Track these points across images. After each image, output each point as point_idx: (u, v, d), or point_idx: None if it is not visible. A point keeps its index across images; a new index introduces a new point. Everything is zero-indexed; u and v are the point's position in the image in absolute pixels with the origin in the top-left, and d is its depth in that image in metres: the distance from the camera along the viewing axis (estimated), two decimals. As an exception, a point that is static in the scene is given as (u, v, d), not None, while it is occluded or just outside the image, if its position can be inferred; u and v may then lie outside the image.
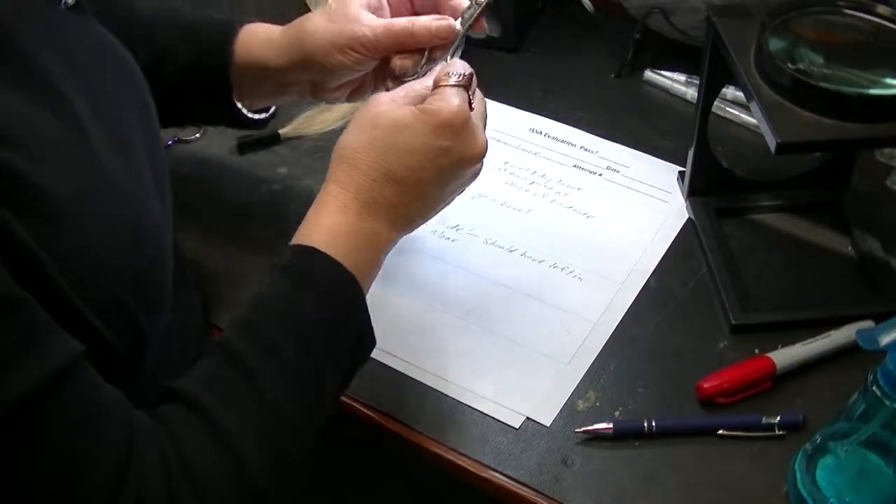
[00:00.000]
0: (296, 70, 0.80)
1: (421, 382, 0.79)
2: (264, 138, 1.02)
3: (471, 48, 1.14)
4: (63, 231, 0.55)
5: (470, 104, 0.71)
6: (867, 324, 0.79)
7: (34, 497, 0.53)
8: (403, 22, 0.77)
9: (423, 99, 0.71)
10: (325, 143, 1.03)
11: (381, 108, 0.70)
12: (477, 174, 0.74)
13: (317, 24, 0.78)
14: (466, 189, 0.75)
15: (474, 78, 0.72)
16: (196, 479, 0.57)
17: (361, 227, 0.68)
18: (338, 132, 1.02)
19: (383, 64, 0.80)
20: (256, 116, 0.88)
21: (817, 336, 0.79)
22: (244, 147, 1.02)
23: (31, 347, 0.51)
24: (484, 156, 0.72)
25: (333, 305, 0.66)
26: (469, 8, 0.78)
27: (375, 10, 0.79)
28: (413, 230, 0.73)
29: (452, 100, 0.69)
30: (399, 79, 0.78)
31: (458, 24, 0.78)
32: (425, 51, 0.78)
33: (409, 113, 0.69)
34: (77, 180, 0.57)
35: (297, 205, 0.96)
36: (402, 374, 0.80)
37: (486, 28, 0.80)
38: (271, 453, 0.60)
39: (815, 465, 0.70)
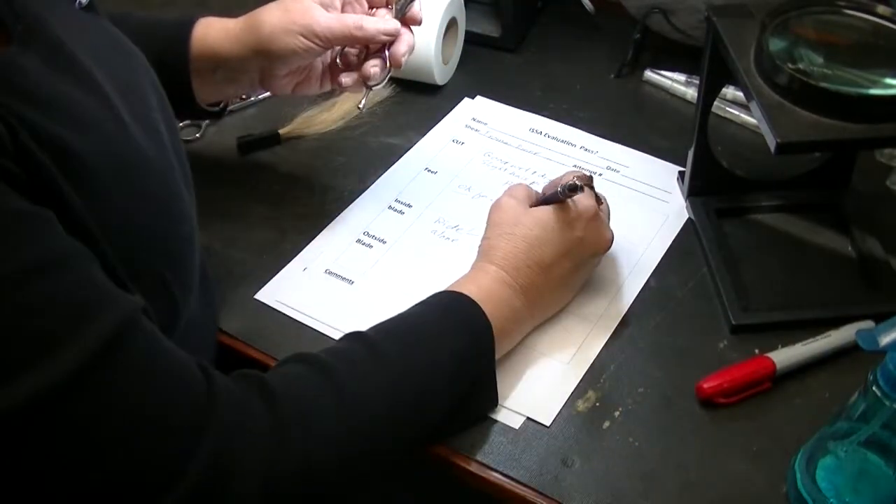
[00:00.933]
0: (248, 56, 0.84)
1: (421, 382, 0.79)
2: (264, 138, 1.02)
3: (471, 48, 1.15)
4: (107, 203, 0.57)
5: (598, 200, 0.83)
6: (867, 324, 0.79)
7: (125, 431, 0.54)
8: (354, 17, 0.83)
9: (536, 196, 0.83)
10: (324, 144, 1.03)
11: (521, 210, 0.81)
12: (600, 261, 0.85)
13: (271, 12, 0.84)
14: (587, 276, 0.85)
15: (593, 179, 0.84)
16: (304, 415, 0.61)
17: (512, 301, 0.77)
18: (338, 132, 1.04)
19: (332, 63, 0.89)
20: (210, 109, 0.92)
21: (817, 336, 0.79)
22: (244, 147, 1.02)
23: (104, 297, 0.54)
24: (609, 247, 0.82)
25: (467, 341, 0.73)
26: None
27: (327, 8, 0.84)
28: (548, 316, 0.82)
29: (585, 199, 0.80)
30: (368, 86, 0.86)
31: (397, 24, 0.85)
32: (386, 57, 0.85)
33: (551, 213, 0.80)
34: (116, 156, 0.59)
35: (297, 205, 0.96)
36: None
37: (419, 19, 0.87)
38: (375, 436, 0.66)
39: (815, 465, 0.70)
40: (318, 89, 0.91)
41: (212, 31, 0.86)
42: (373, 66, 0.84)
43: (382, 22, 0.83)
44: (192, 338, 0.70)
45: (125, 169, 0.60)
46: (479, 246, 0.81)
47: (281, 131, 1.03)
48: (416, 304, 0.75)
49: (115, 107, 0.61)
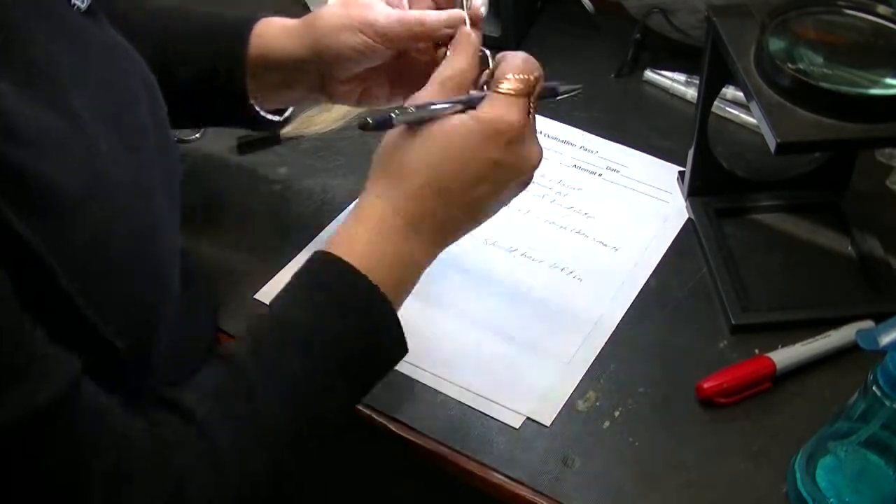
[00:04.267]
0: (305, 56, 0.80)
1: (421, 382, 0.79)
2: (264, 138, 1.02)
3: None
4: (67, 230, 0.55)
5: (530, 112, 0.68)
6: (867, 324, 0.79)
7: None
8: (415, 12, 0.77)
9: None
10: (325, 144, 1.03)
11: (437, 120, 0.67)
12: (526, 184, 0.71)
13: (331, 10, 0.79)
14: (512, 212, 0.73)
15: (540, 82, 0.68)
16: (186, 494, 0.57)
17: (401, 248, 0.66)
18: (338, 132, 1.04)
19: (395, 70, 0.80)
20: (270, 117, 0.87)
21: (817, 336, 0.79)
22: (244, 147, 1.02)
23: (22, 377, 0.51)
24: (538, 165, 0.69)
25: (358, 324, 0.65)
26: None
27: (392, 5, 0.78)
28: (457, 239, 0.71)
29: (509, 109, 0.66)
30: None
31: (461, 12, 0.76)
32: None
33: (460, 124, 0.66)
34: (81, 180, 0.57)
35: (297, 205, 0.96)
36: (402, 374, 0.80)
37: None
38: (263, 469, 0.61)
39: (815, 465, 0.70)
40: (385, 101, 0.83)
41: (271, 29, 0.81)
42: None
43: (445, 14, 0.76)
44: (181, 346, 0.70)
45: (89, 194, 0.57)
46: (379, 148, 0.69)
47: (281, 131, 1.03)
48: (297, 288, 0.66)
49: (89, 129, 0.59)
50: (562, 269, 0.89)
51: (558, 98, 0.74)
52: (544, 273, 0.88)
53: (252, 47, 0.82)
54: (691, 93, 1.06)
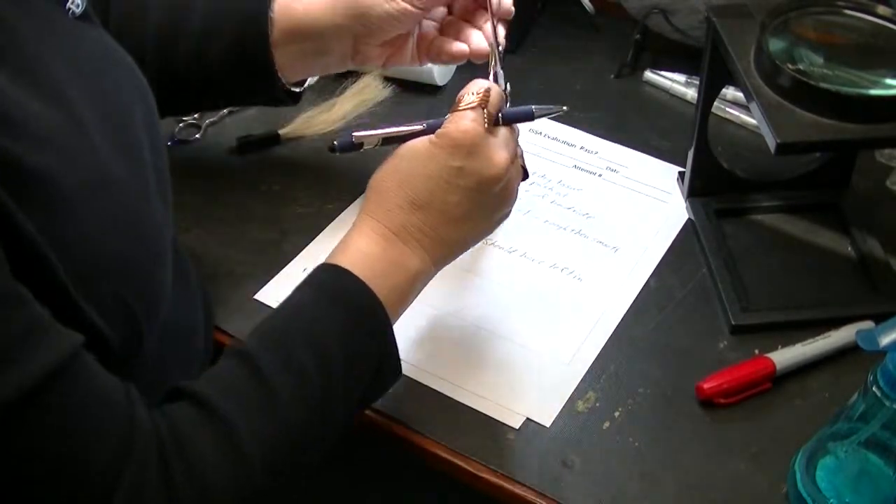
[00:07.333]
0: (342, 23, 0.82)
1: (421, 383, 0.79)
2: (264, 138, 1.02)
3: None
4: (65, 222, 0.56)
5: (490, 122, 0.71)
6: (867, 324, 0.79)
7: (31, 487, 0.53)
8: None
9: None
10: (325, 144, 1.03)
11: (406, 143, 0.72)
12: (506, 195, 0.73)
13: None
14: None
15: (490, 94, 0.72)
16: (198, 478, 0.57)
17: (389, 253, 0.69)
18: (337, 132, 1.04)
19: (422, 35, 0.85)
20: (294, 89, 0.89)
21: (817, 336, 0.79)
22: (244, 147, 1.02)
23: (28, 342, 0.52)
24: (503, 175, 0.71)
25: (357, 325, 0.67)
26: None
27: None
28: (455, 257, 0.74)
29: (462, 121, 0.70)
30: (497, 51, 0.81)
31: None
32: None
33: (426, 141, 0.71)
34: (79, 174, 0.57)
35: (297, 205, 0.96)
36: (402, 374, 0.79)
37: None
38: (276, 463, 0.61)
39: (815, 465, 0.70)
40: (409, 62, 0.87)
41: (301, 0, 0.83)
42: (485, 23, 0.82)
43: None
44: (173, 342, 0.71)
45: (86, 188, 0.58)
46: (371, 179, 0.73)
47: (281, 132, 1.03)
48: (300, 291, 0.68)
49: (85, 125, 0.59)
50: (562, 270, 0.89)
51: (538, 119, 0.76)
52: (544, 273, 0.89)
53: (282, 18, 0.83)
54: (691, 93, 1.06)
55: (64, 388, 0.53)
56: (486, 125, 0.71)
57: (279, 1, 0.83)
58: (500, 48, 0.82)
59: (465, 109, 0.71)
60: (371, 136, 0.74)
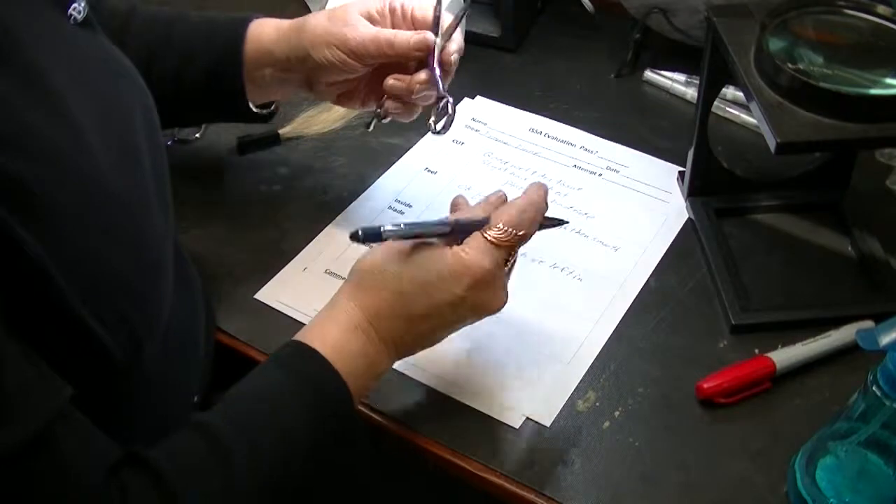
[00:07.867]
0: (292, 58, 0.84)
1: (421, 382, 0.79)
2: (264, 138, 1.02)
3: (471, 48, 1.14)
4: (63, 237, 0.56)
5: (508, 262, 0.71)
6: (867, 324, 0.79)
7: None
8: (388, 33, 0.81)
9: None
10: (324, 144, 1.03)
11: (420, 248, 0.70)
12: (481, 318, 0.72)
13: (317, 20, 0.83)
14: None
15: (526, 239, 0.71)
16: None
17: (368, 354, 0.69)
18: (338, 132, 1.04)
19: (375, 79, 0.85)
20: (261, 111, 0.91)
21: (817, 336, 0.79)
22: (244, 147, 1.02)
23: (4, 410, 0.52)
24: (503, 306, 0.71)
25: (327, 421, 0.66)
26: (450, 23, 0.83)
27: (375, 23, 0.83)
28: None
29: (485, 258, 0.68)
30: (393, 99, 0.84)
31: (435, 38, 0.81)
32: (412, 75, 0.82)
33: (441, 255, 0.69)
34: (77, 188, 0.57)
35: (297, 205, 0.96)
36: (402, 374, 0.80)
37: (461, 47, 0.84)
38: None
39: (815, 465, 0.70)
40: (359, 106, 0.89)
41: (266, 30, 0.85)
42: (419, 81, 0.81)
43: (413, 39, 0.80)
44: (174, 345, 0.70)
45: (84, 203, 0.58)
46: (362, 259, 0.71)
47: (281, 131, 1.03)
48: (265, 365, 0.68)
49: (84, 135, 0.59)
50: (562, 269, 0.89)
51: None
52: (544, 273, 0.89)
53: (249, 48, 0.85)
54: (691, 93, 1.06)
55: (30, 465, 0.53)
56: (505, 267, 0.71)
57: (251, 30, 0.85)
58: (443, 84, 0.83)
59: (492, 242, 0.69)
60: (399, 232, 0.69)
